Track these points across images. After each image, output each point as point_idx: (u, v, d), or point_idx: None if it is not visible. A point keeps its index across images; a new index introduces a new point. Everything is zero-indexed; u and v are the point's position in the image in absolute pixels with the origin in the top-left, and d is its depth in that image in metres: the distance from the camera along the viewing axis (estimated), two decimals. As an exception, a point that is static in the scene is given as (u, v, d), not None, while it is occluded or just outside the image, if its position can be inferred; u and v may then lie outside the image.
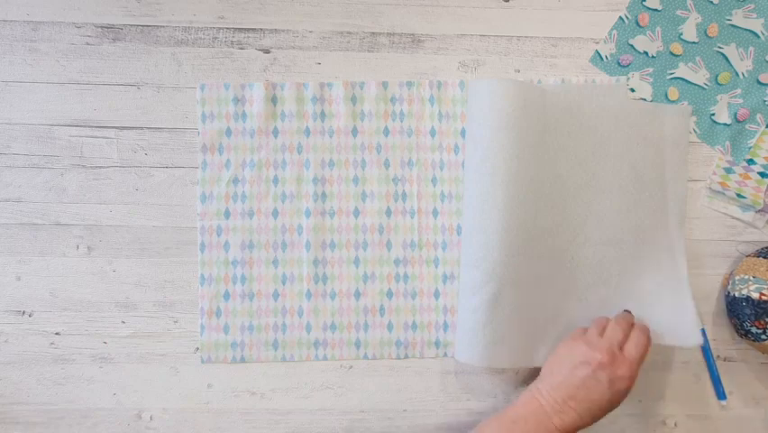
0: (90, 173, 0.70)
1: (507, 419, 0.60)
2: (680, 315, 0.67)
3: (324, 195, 0.70)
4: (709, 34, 0.72)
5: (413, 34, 0.72)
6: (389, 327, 0.70)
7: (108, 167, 0.70)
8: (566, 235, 0.69)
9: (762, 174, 0.71)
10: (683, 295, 0.68)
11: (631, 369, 0.59)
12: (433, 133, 0.71)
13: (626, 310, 0.66)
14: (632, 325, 0.63)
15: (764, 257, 0.67)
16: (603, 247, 0.69)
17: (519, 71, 0.72)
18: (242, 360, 0.69)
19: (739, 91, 0.72)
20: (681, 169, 0.71)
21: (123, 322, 0.69)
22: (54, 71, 0.70)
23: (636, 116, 0.70)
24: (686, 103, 0.72)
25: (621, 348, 0.60)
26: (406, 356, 0.70)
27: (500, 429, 0.59)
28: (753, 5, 0.71)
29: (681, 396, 0.70)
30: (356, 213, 0.70)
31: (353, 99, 0.70)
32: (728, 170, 0.72)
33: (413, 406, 0.70)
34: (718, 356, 0.71)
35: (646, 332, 0.62)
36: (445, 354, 0.70)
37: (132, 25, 0.70)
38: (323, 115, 0.70)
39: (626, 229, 0.70)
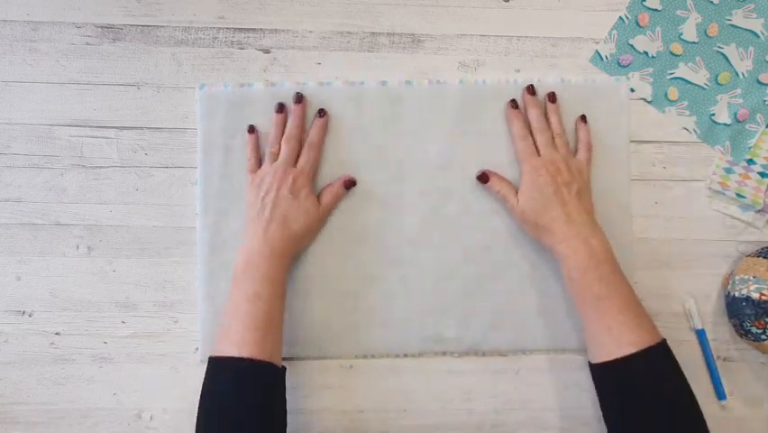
0: (90, 173, 0.70)
1: (233, 282, 0.63)
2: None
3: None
4: (709, 34, 0.72)
5: (413, 34, 0.72)
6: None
7: (108, 167, 0.70)
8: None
9: (762, 174, 0.71)
10: None
11: (301, 177, 0.66)
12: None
13: None
14: (299, 142, 0.68)
15: (764, 257, 0.67)
16: None
17: (519, 71, 0.72)
18: (242, 360, 0.69)
19: (739, 91, 0.72)
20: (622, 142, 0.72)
21: (123, 322, 0.69)
22: (54, 71, 0.70)
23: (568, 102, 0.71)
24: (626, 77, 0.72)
25: (294, 166, 0.67)
26: (405, 355, 0.70)
27: (232, 293, 0.62)
28: (753, 5, 0.71)
29: (681, 396, 0.70)
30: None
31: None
32: (728, 170, 0.72)
33: (413, 406, 0.70)
34: (718, 356, 0.71)
35: (315, 147, 0.68)
36: (444, 354, 0.70)
37: (132, 25, 0.70)
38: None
39: None
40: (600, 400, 0.63)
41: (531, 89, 0.69)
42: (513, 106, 0.69)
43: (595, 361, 0.62)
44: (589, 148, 0.69)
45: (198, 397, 0.58)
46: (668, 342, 0.62)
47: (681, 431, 0.57)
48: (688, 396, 0.59)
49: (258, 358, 0.59)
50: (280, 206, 0.65)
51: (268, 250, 0.63)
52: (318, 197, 0.68)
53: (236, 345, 0.59)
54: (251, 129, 0.69)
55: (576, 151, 0.69)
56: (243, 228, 0.67)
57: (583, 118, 0.70)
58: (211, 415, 0.58)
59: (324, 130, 0.69)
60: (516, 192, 0.67)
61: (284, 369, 0.63)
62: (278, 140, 0.68)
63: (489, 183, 0.68)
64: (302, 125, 0.69)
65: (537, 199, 0.65)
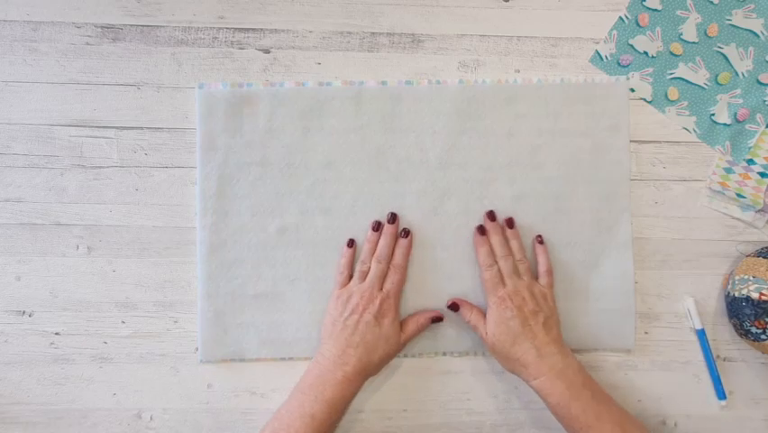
0: (90, 173, 0.70)
1: (298, 392, 0.63)
2: (620, 315, 0.70)
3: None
4: (709, 34, 0.72)
5: (413, 34, 0.72)
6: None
7: (108, 167, 0.70)
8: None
9: (762, 174, 0.71)
10: (627, 295, 0.70)
11: (387, 302, 0.66)
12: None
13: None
14: (389, 263, 0.68)
15: (764, 257, 0.67)
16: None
17: (519, 71, 0.72)
18: (242, 359, 0.69)
19: (739, 91, 0.72)
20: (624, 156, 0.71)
21: (123, 322, 0.69)
22: (54, 71, 0.70)
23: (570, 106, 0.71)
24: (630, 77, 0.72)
25: (380, 289, 0.67)
26: (405, 355, 0.70)
27: (292, 403, 0.62)
28: (753, 5, 0.71)
29: (681, 396, 0.70)
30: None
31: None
32: (728, 170, 0.72)
33: (413, 406, 0.70)
34: (718, 356, 0.71)
35: (400, 269, 0.68)
36: (444, 354, 0.70)
37: (132, 25, 0.70)
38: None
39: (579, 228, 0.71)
40: None
41: (491, 215, 0.69)
42: (480, 233, 0.69)
43: None
44: (550, 272, 0.69)
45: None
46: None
47: None
48: None
49: None
50: (362, 332, 0.64)
51: (340, 374, 0.63)
52: (402, 323, 0.68)
53: None
54: (351, 243, 0.69)
55: (537, 276, 0.69)
56: (321, 337, 0.67)
57: (539, 239, 0.70)
58: None
59: (410, 251, 0.69)
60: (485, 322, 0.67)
61: None
62: (370, 258, 0.68)
63: (459, 312, 0.68)
64: (393, 246, 0.68)
65: (505, 333, 0.65)
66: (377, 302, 0.65)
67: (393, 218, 0.69)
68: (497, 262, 0.68)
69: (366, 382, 0.69)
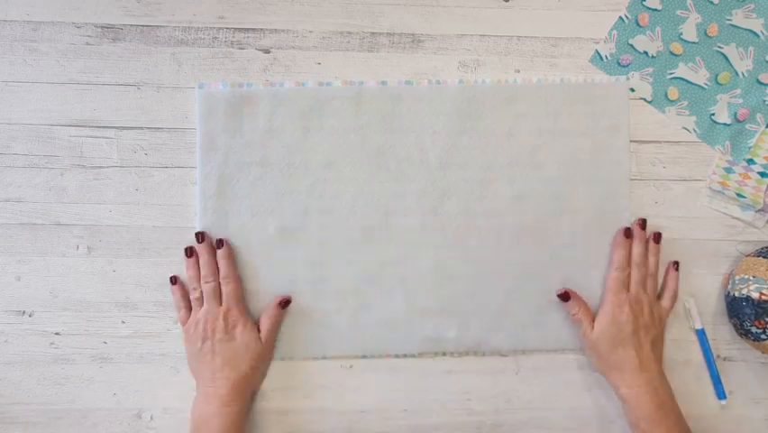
0: (90, 173, 0.70)
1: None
2: None
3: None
4: (709, 34, 0.72)
5: (413, 34, 0.72)
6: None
7: (108, 167, 0.70)
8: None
9: (762, 174, 0.71)
10: None
11: (229, 315, 0.66)
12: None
13: None
14: (217, 278, 0.67)
15: (764, 257, 0.67)
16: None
17: (519, 71, 0.72)
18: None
19: (739, 91, 0.72)
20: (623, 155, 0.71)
21: (123, 322, 0.69)
22: (54, 71, 0.70)
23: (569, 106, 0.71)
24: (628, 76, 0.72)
25: (219, 304, 0.67)
26: (406, 355, 0.70)
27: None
28: (753, 5, 0.71)
29: (682, 396, 0.70)
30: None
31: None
32: (728, 170, 0.72)
33: (413, 406, 0.70)
34: (718, 356, 0.71)
35: (230, 279, 0.67)
36: (444, 354, 0.70)
37: (132, 25, 0.70)
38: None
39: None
40: None
41: (642, 223, 0.69)
42: (626, 235, 0.69)
43: None
44: (675, 298, 0.69)
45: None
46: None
47: None
48: None
49: None
50: (220, 352, 0.65)
51: (217, 403, 0.63)
52: (258, 325, 0.68)
53: None
54: (174, 280, 0.68)
55: (661, 296, 0.69)
56: (194, 380, 0.67)
57: (675, 265, 0.70)
58: None
59: (230, 257, 0.68)
60: (593, 319, 0.67)
61: None
62: (197, 283, 0.67)
63: (568, 303, 0.68)
64: (214, 261, 0.68)
65: (615, 335, 0.65)
66: (220, 319, 0.66)
67: (202, 237, 0.68)
68: (629, 268, 0.68)
69: (366, 383, 0.69)
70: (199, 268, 0.68)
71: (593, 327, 0.67)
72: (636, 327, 0.65)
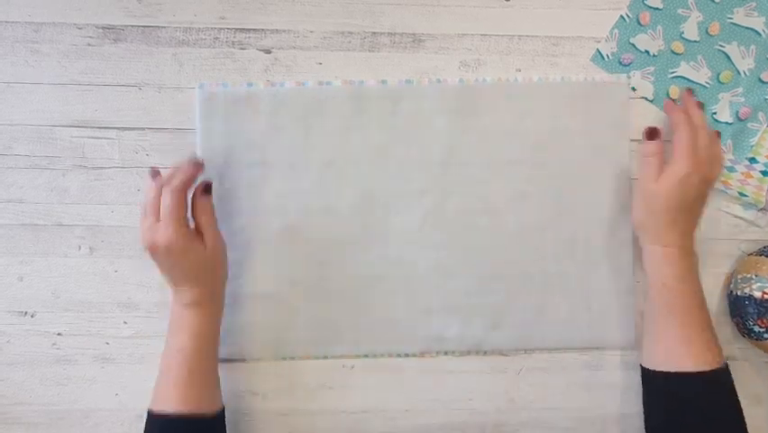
0: (92, 174, 0.70)
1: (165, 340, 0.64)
2: (621, 314, 0.70)
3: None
4: (710, 33, 0.71)
5: (414, 34, 0.72)
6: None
7: (110, 167, 0.70)
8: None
9: (764, 173, 0.71)
10: (628, 294, 0.70)
11: (165, 224, 0.60)
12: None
13: None
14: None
15: (767, 255, 0.67)
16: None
17: (520, 70, 0.72)
18: (242, 359, 0.69)
19: (741, 90, 0.72)
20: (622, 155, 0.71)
21: (125, 322, 0.70)
22: (56, 72, 0.70)
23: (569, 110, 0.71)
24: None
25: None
26: (407, 355, 0.70)
27: (163, 350, 0.63)
28: (754, 4, 0.71)
29: (684, 395, 0.70)
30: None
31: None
32: (730, 169, 0.72)
33: (414, 406, 0.70)
34: (721, 355, 0.71)
35: (171, 191, 0.61)
36: (446, 353, 0.70)
37: (133, 26, 0.70)
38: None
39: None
40: (650, 405, 0.64)
41: (690, 92, 0.69)
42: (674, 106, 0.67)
43: (659, 368, 0.63)
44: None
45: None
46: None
47: None
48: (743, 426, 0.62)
49: (183, 412, 0.60)
50: (164, 263, 0.62)
51: (180, 304, 0.63)
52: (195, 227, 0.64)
53: (162, 401, 0.61)
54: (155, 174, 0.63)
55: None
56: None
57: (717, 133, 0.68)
58: None
59: (194, 177, 0.63)
60: (660, 171, 0.64)
61: (216, 414, 0.63)
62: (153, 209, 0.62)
63: (651, 141, 0.65)
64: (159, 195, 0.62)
65: (676, 197, 0.63)
66: (154, 228, 0.60)
67: (155, 173, 0.63)
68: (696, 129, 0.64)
69: (367, 382, 0.69)
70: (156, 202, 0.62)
71: (658, 180, 0.63)
72: (698, 194, 0.63)
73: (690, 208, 0.64)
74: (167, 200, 0.61)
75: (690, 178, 0.62)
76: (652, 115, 0.72)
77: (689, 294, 0.63)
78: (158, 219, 0.61)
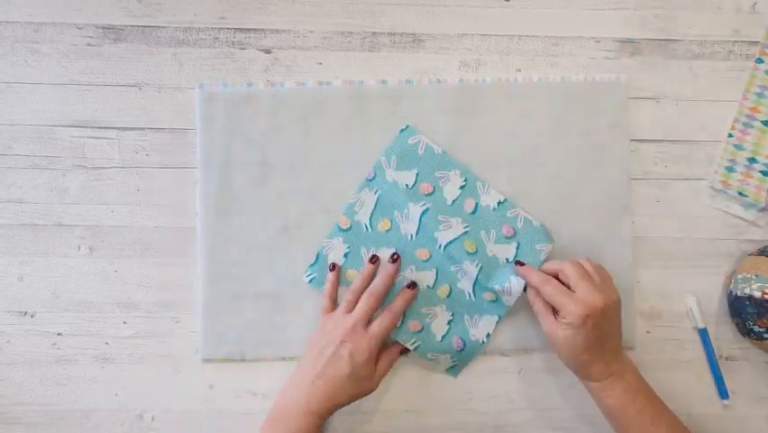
0: (92, 174, 0.70)
1: (267, 426, 0.62)
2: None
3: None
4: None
5: (414, 34, 0.72)
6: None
7: (110, 167, 0.70)
8: None
9: (764, 172, 0.71)
10: (628, 294, 0.70)
11: (369, 343, 0.63)
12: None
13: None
14: (380, 302, 0.66)
15: (767, 255, 0.67)
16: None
17: (520, 70, 0.72)
18: (242, 359, 0.69)
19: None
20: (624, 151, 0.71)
21: (125, 322, 0.70)
22: (56, 72, 0.70)
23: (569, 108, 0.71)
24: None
25: (366, 325, 0.64)
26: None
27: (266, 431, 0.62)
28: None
29: (683, 395, 0.70)
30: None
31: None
32: (730, 169, 0.72)
33: (414, 406, 0.70)
34: (721, 355, 0.71)
35: (395, 316, 0.65)
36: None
37: (133, 26, 0.70)
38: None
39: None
40: None
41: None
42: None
43: None
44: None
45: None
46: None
47: None
48: None
49: None
50: (335, 366, 0.62)
51: (304, 405, 0.61)
52: (376, 361, 0.64)
53: None
54: (333, 267, 0.68)
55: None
56: (299, 360, 0.65)
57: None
58: None
59: (409, 303, 0.67)
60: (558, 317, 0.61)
61: None
62: (360, 291, 0.66)
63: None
64: (389, 286, 0.67)
65: (583, 341, 0.60)
66: (357, 339, 0.62)
67: (396, 258, 0.68)
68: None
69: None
70: (370, 279, 0.67)
71: (562, 328, 0.61)
72: (606, 323, 0.61)
73: (602, 343, 0.61)
74: (388, 321, 0.64)
75: (589, 319, 0.59)
76: (651, 115, 0.72)
77: (635, 415, 0.61)
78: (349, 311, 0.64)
